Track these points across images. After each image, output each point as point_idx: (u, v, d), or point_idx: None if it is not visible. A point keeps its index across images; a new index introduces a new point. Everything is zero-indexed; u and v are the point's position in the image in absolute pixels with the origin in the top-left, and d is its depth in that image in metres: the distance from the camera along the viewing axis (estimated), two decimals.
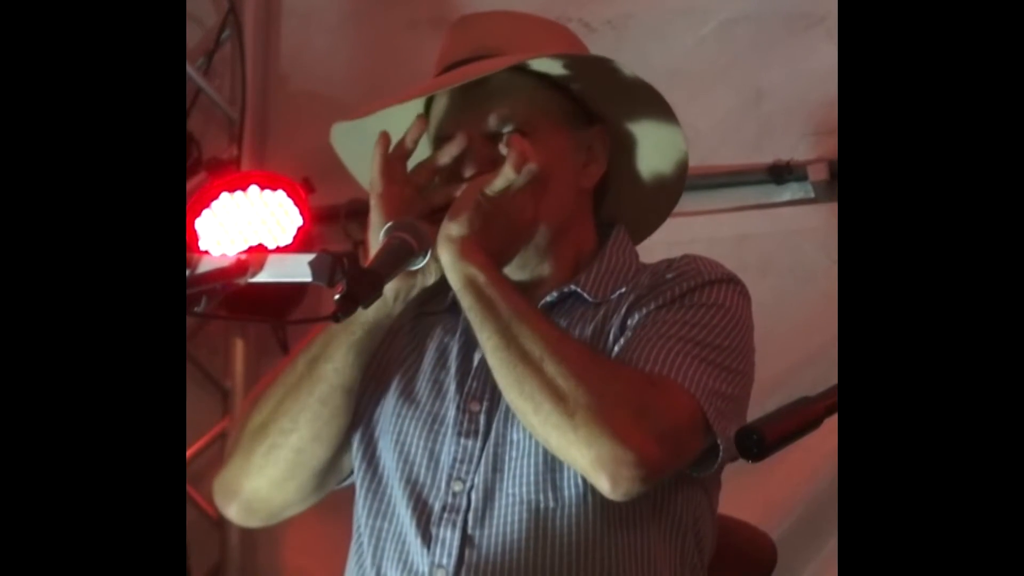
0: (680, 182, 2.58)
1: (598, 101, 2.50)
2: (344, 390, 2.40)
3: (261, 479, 2.43)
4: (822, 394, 1.94)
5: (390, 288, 2.30)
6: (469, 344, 2.41)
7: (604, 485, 2.21)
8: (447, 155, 2.40)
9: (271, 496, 2.45)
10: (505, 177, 2.32)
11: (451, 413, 2.39)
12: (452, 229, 2.30)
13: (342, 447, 2.45)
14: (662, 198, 2.61)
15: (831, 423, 1.91)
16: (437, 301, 2.47)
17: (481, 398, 2.37)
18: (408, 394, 2.44)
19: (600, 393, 2.22)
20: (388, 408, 2.44)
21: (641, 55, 4.21)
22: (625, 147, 2.54)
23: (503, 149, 2.37)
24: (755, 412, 1.97)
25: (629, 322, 2.36)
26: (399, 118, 2.47)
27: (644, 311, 2.36)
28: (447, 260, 2.31)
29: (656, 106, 2.51)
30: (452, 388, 2.41)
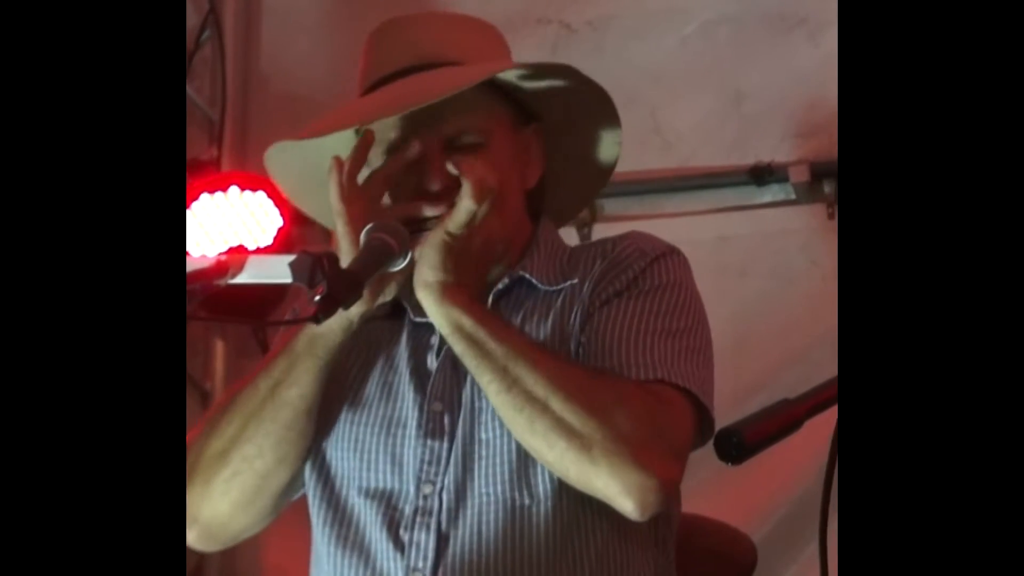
0: (610, 167, 2.57)
1: (538, 101, 2.48)
2: (309, 414, 2.37)
3: (222, 505, 2.39)
4: (803, 396, 1.94)
5: (356, 309, 2.27)
6: (419, 347, 2.40)
7: (630, 510, 2.22)
8: (399, 163, 2.37)
9: (231, 521, 2.42)
10: (467, 210, 2.28)
11: (412, 415, 2.36)
12: (427, 274, 2.28)
13: (302, 465, 2.43)
14: (592, 183, 2.62)
15: (811, 425, 1.91)
16: (377, 308, 2.40)
17: (441, 398, 2.35)
18: (358, 401, 2.41)
19: (612, 422, 2.21)
20: (338, 416, 2.41)
21: (622, 56, 4.21)
22: (557, 140, 2.52)
23: (452, 168, 2.33)
24: (736, 414, 1.97)
25: (592, 310, 2.35)
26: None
27: (604, 297, 2.35)
28: (429, 306, 2.29)
29: (597, 99, 2.48)
30: (408, 390, 2.38)
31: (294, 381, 2.34)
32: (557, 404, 2.22)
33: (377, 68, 2.46)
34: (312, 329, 2.31)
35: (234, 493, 2.39)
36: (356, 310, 2.28)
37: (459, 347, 2.28)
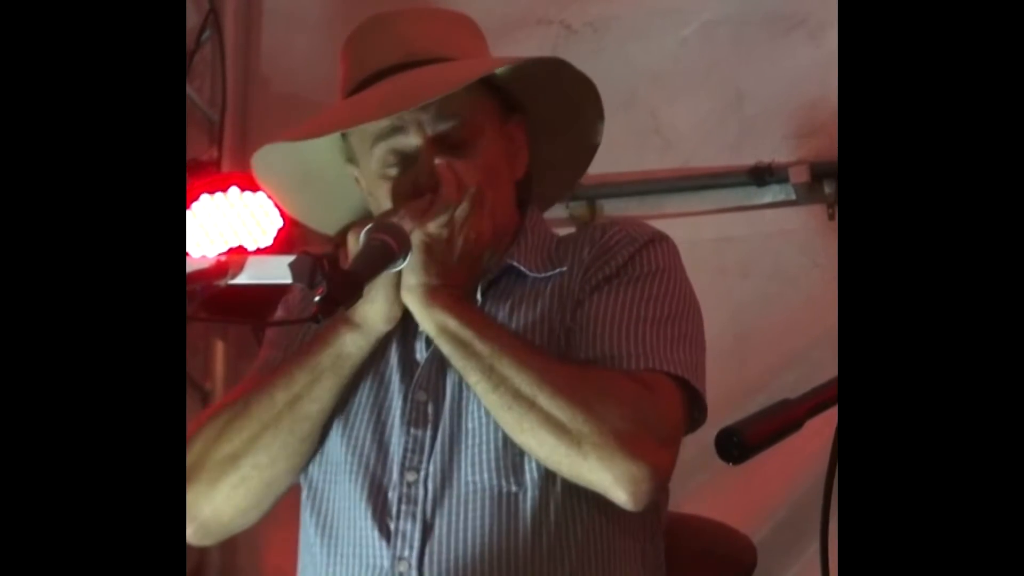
0: (594, 147, 2.58)
1: (524, 92, 2.49)
2: (323, 426, 2.39)
3: (226, 507, 2.40)
4: (803, 396, 1.94)
5: (384, 326, 2.31)
6: (407, 335, 2.40)
7: (623, 500, 2.24)
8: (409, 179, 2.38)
9: (232, 522, 2.43)
10: (444, 210, 2.30)
11: (397, 403, 2.37)
12: (410, 277, 2.29)
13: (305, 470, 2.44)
14: (576, 165, 2.62)
15: (812, 425, 1.91)
16: None
17: (426, 388, 2.36)
18: (351, 389, 2.41)
19: (600, 416, 2.22)
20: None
21: (622, 57, 4.21)
22: (541, 126, 2.53)
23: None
24: (735, 414, 1.96)
25: (583, 297, 2.36)
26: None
27: (594, 283, 2.36)
28: (415, 310, 2.31)
29: (579, 85, 2.49)
30: (395, 379, 2.38)
31: (316, 397, 2.36)
32: (544, 401, 2.23)
33: (362, 66, 2.45)
34: (341, 347, 2.34)
35: (239, 499, 2.39)
36: (384, 327, 2.32)
37: (446, 348, 2.29)
